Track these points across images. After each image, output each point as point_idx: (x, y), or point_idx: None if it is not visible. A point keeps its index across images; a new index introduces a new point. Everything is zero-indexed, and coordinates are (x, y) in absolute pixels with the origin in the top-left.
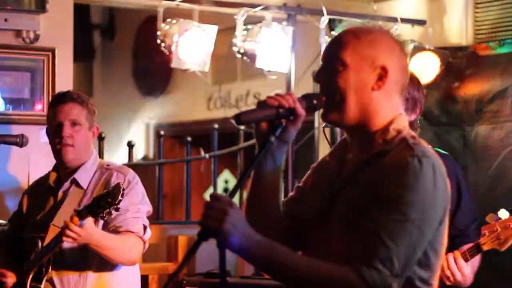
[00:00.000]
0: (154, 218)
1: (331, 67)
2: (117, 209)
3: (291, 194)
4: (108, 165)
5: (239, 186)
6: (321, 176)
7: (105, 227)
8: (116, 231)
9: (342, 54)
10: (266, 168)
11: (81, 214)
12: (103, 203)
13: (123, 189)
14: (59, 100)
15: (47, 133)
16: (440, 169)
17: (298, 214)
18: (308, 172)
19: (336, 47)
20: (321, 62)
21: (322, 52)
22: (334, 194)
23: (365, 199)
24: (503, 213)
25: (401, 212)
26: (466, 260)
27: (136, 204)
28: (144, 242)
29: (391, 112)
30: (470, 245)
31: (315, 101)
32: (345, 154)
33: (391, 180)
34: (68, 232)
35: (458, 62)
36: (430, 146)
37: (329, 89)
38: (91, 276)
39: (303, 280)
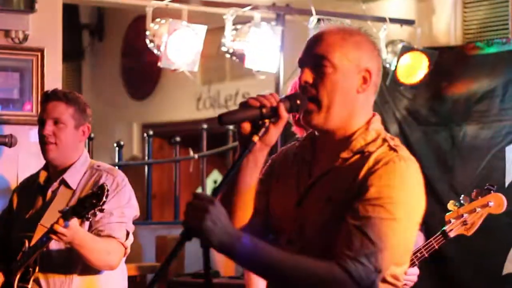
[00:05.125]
0: (143, 219)
1: (318, 68)
2: (101, 210)
3: (257, 189)
4: (98, 166)
5: (222, 185)
6: (288, 171)
7: (89, 229)
8: (98, 235)
9: (331, 55)
10: (246, 170)
11: (66, 215)
12: (88, 204)
13: (108, 190)
14: (44, 99)
15: None
16: (419, 170)
17: (266, 207)
18: (269, 163)
19: (323, 48)
20: (300, 62)
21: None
22: (306, 189)
23: (350, 196)
24: (465, 200)
25: (387, 211)
26: (434, 249)
27: (121, 208)
28: (126, 248)
29: (368, 112)
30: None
31: (298, 102)
32: (317, 149)
33: (378, 181)
34: (54, 236)
35: (447, 62)
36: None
37: (317, 91)
38: (77, 277)
39: (288, 275)
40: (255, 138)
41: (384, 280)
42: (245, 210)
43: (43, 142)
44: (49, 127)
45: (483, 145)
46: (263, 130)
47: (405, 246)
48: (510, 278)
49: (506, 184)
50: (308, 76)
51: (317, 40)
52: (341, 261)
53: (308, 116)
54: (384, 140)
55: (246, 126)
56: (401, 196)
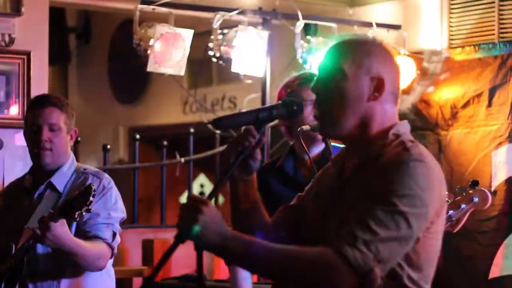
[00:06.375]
0: (130, 222)
1: (329, 78)
2: (88, 210)
3: (292, 202)
4: (85, 169)
5: (218, 188)
6: (323, 184)
7: (76, 230)
8: (85, 236)
9: (341, 64)
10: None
11: (53, 216)
12: (75, 204)
13: (95, 190)
14: (38, 104)
15: (24, 135)
16: (437, 171)
17: (296, 220)
18: (313, 179)
19: (334, 58)
20: (316, 72)
21: (298, 56)
22: (333, 198)
23: (359, 197)
24: (449, 197)
25: (391, 203)
26: None
27: (108, 210)
28: (113, 249)
29: (389, 119)
30: None
31: (295, 107)
32: (345, 160)
33: (384, 177)
34: (38, 233)
35: (433, 66)
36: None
37: (327, 100)
38: (65, 281)
39: (283, 267)
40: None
41: (401, 283)
42: (259, 228)
43: (39, 148)
44: (46, 133)
45: (470, 150)
46: (259, 135)
47: (418, 246)
48: (496, 282)
49: (493, 189)
50: (318, 86)
51: (328, 51)
52: (339, 247)
53: (323, 127)
54: (401, 143)
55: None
56: (406, 190)
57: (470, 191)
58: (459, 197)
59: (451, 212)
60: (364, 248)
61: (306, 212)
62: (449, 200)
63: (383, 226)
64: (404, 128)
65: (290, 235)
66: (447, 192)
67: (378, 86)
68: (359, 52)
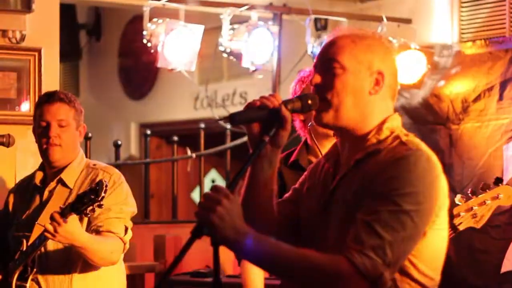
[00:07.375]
0: (141, 218)
1: (328, 70)
2: (100, 206)
3: (286, 195)
4: (94, 164)
5: (235, 183)
6: (317, 179)
7: (88, 226)
8: (97, 230)
9: (341, 57)
10: (261, 172)
11: (64, 212)
12: (86, 200)
13: (106, 186)
14: (46, 100)
15: (34, 132)
16: (435, 164)
17: (294, 214)
18: (305, 173)
19: (333, 50)
20: (314, 67)
21: (309, 51)
22: (329, 194)
23: (360, 195)
24: (472, 193)
25: (395, 203)
26: None
27: (119, 204)
28: (125, 244)
29: (384, 113)
30: None
31: (309, 101)
32: (339, 156)
33: (385, 174)
34: (48, 235)
35: (444, 61)
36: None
37: (327, 91)
38: (77, 276)
39: (294, 270)
40: (266, 138)
41: (412, 277)
42: (260, 208)
43: (48, 144)
44: (55, 129)
45: (481, 144)
46: (273, 130)
47: (429, 241)
48: (508, 276)
49: (504, 183)
50: (318, 78)
51: (328, 44)
52: (347, 254)
53: (319, 115)
54: (396, 137)
55: (256, 126)
56: (408, 188)
57: (495, 188)
58: (483, 194)
59: (475, 208)
60: (372, 254)
61: (301, 206)
62: (472, 197)
63: (389, 229)
64: (397, 121)
65: (286, 228)
66: (470, 189)
67: (379, 80)
68: (358, 46)
